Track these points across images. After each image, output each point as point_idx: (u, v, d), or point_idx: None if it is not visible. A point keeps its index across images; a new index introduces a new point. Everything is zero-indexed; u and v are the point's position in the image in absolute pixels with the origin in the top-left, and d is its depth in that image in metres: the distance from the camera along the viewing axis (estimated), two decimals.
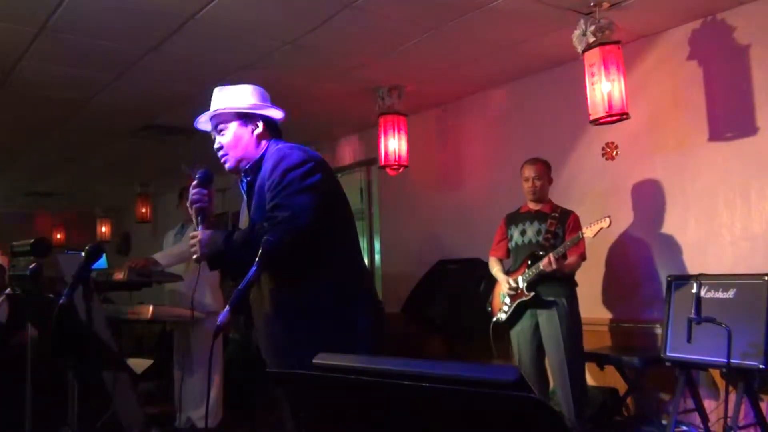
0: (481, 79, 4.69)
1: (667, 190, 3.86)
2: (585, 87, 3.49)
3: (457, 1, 3.36)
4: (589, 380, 4.02)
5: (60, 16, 3.34)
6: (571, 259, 3.53)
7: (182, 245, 4.25)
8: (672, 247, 3.81)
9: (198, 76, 4.30)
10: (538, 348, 3.57)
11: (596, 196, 4.16)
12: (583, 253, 3.58)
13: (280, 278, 2.12)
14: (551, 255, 3.39)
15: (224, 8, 3.32)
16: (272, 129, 2.28)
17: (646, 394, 3.88)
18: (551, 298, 3.50)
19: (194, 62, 4.07)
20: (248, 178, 2.25)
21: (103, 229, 9.93)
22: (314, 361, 1.21)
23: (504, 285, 3.63)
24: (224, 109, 2.23)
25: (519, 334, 3.63)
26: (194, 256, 2.10)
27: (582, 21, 3.46)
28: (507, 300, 3.62)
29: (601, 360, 3.75)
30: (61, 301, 2.08)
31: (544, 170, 3.71)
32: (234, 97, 2.25)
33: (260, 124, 2.23)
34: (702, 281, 3.26)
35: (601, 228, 3.37)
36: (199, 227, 2.13)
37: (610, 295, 4.13)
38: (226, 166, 2.25)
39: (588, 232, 3.40)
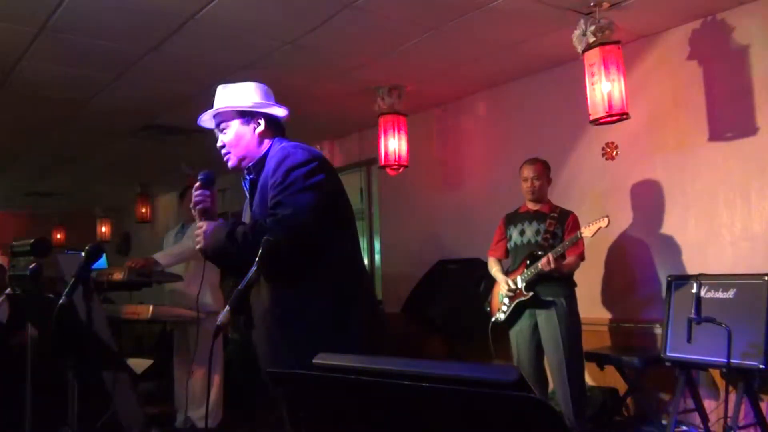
0: (481, 79, 4.69)
1: (667, 190, 3.86)
2: (585, 87, 3.49)
3: (457, 1, 3.36)
4: (589, 380, 4.02)
5: (60, 16, 3.34)
6: (569, 258, 3.54)
7: (182, 245, 4.25)
8: (672, 247, 3.81)
9: (198, 76, 4.30)
10: (537, 348, 3.57)
11: (596, 196, 4.16)
12: (582, 253, 3.58)
13: (280, 278, 2.12)
14: (550, 255, 3.39)
15: (224, 8, 3.32)
16: (275, 127, 2.28)
17: (646, 394, 3.88)
18: (550, 298, 3.51)
19: (194, 62, 4.07)
20: (251, 176, 2.25)
21: (103, 229, 9.93)
22: (314, 361, 1.21)
23: (503, 285, 3.63)
24: (225, 107, 2.23)
25: (518, 334, 3.63)
26: (198, 246, 2.13)
27: (582, 21, 3.46)
28: (506, 300, 3.62)
29: (601, 360, 3.75)
30: (61, 301, 2.08)
31: (543, 170, 3.71)
32: (236, 95, 2.25)
33: (262, 122, 2.23)
34: (702, 281, 3.26)
35: (600, 228, 3.37)
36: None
37: (610, 295, 4.13)
38: (229, 164, 2.26)
39: (586, 231, 3.40)
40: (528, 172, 3.70)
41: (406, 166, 4.84)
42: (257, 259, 1.78)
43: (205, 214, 2.16)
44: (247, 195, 2.30)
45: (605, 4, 3.40)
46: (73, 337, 2.30)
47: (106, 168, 7.40)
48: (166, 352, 4.68)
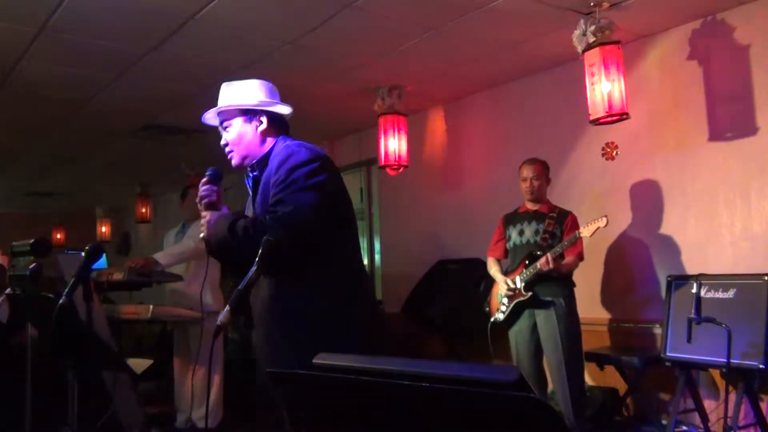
0: (481, 79, 4.69)
1: (667, 190, 3.86)
2: (585, 87, 3.49)
3: (457, 1, 3.36)
4: (589, 380, 4.02)
5: (60, 16, 3.34)
6: (568, 258, 3.54)
7: (183, 245, 4.26)
8: (672, 247, 3.81)
9: (198, 76, 4.30)
10: (537, 348, 3.58)
11: (596, 196, 4.16)
12: (581, 253, 3.58)
13: (279, 278, 2.12)
14: (548, 255, 3.40)
15: (224, 8, 3.32)
16: (278, 125, 2.28)
17: (646, 394, 3.88)
18: (549, 298, 3.51)
19: (194, 62, 4.07)
20: (254, 174, 2.26)
21: (103, 229, 9.94)
22: (314, 361, 1.21)
23: (502, 285, 3.64)
24: (227, 106, 2.23)
25: (517, 334, 3.63)
26: (201, 236, 2.16)
27: (582, 21, 3.46)
28: (505, 300, 3.63)
29: (601, 360, 3.75)
30: (61, 301, 2.08)
31: (542, 170, 3.71)
32: (239, 93, 2.25)
33: (264, 120, 2.23)
34: (702, 281, 3.26)
35: (598, 227, 3.37)
36: None
37: (610, 295, 4.13)
38: (232, 162, 2.27)
39: (585, 231, 3.40)
40: (527, 172, 3.70)
41: (406, 166, 4.84)
42: (257, 259, 1.78)
43: (211, 208, 2.17)
44: (250, 192, 2.30)
45: (605, 4, 3.39)
46: (73, 337, 2.30)
47: (106, 168, 7.40)
48: (166, 352, 4.69)
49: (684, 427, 3.55)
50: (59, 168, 7.35)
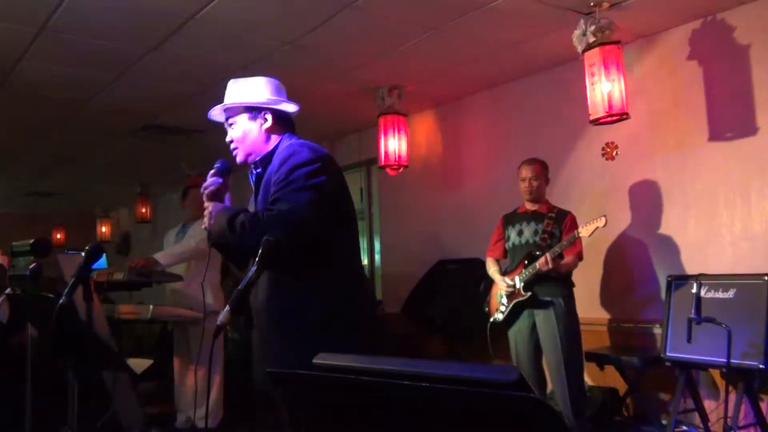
0: (481, 79, 4.69)
1: (667, 190, 3.86)
2: (585, 87, 3.49)
3: (457, 1, 3.36)
4: (589, 380, 4.02)
5: (60, 16, 3.34)
6: (567, 258, 3.54)
7: (183, 245, 4.26)
8: (672, 247, 3.81)
9: (198, 76, 4.30)
10: (536, 348, 3.58)
11: (596, 196, 4.16)
12: (580, 253, 3.58)
13: (278, 277, 2.12)
14: (547, 254, 3.40)
15: (224, 8, 3.32)
16: (284, 123, 2.29)
17: (646, 394, 3.88)
18: (548, 298, 3.51)
19: (194, 62, 4.07)
20: (258, 171, 2.27)
21: (103, 229, 9.93)
22: (314, 361, 1.21)
23: (501, 284, 3.64)
24: (233, 103, 2.24)
25: (516, 334, 3.63)
26: (203, 227, 2.19)
27: (582, 21, 3.46)
28: (504, 300, 3.63)
29: (600, 360, 3.75)
30: (61, 301, 2.08)
31: (541, 170, 3.71)
32: (245, 90, 2.26)
33: (269, 118, 2.24)
34: (702, 281, 3.26)
35: (597, 227, 3.37)
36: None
37: (610, 295, 4.13)
38: (237, 159, 2.28)
39: (584, 231, 3.41)
40: (526, 172, 3.70)
41: (406, 166, 4.84)
42: (257, 259, 1.78)
43: (213, 199, 2.20)
44: (254, 188, 2.31)
45: (605, 4, 3.39)
46: (73, 337, 2.30)
47: (106, 168, 7.40)
48: (166, 352, 4.69)
49: (684, 427, 3.55)
50: (59, 168, 7.35)
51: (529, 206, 3.72)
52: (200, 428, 4.16)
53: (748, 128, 3.51)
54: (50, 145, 6.21)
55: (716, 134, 3.64)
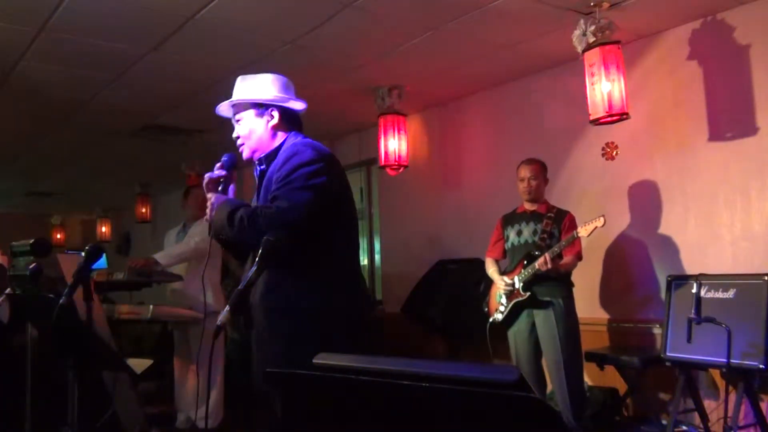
0: (481, 79, 4.69)
1: (667, 190, 3.86)
2: (585, 87, 3.49)
3: (457, 1, 3.36)
4: (589, 380, 4.02)
5: (60, 16, 3.34)
6: (566, 258, 3.54)
7: (183, 245, 4.25)
8: (672, 247, 3.81)
9: (198, 76, 4.30)
10: (536, 348, 3.58)
11: (596, 196, 4.16)
12: (579, 253, 3.58)
13: (274, 274, 2.12)
14: (546, 254, 3.40)
15: (224, 8, 3.32)
16: (290, 120, 2.31)
17: (646, 394, 3.88)
18: (547, 298, 3.51)
19: (194, 62, 4.07)
20: (262, 167, 2.28)
21: (103, 229, 9.93)
22: (314, 361, 1.21)
23: (500, 283, 3.64)
24: (239, 99, 2.26)
25: (516, 334, 3.63)
26: (205, 218, 2.21)
27: (582, 21, 3.46)
28: (503, 300, 3.63)
29: (600, 360, 3.75)
30: (61, 301, 2.08)
31: (540, 170, 3.71)
32: (253, 87, 2.27)
33: (276, 115, 2.26)
34: (702, 281, 3.26)
35: (596, 227, 3.37)
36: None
37: (610, 295, 4.13)
38: (243, 155, 2.30)
39: (582, 231, 3.41)
40: (525, 172, 3.70)
41: (406, 166, 4.84)
42: (257, 259, 1.79)
43: (215, 189, 2.22)
44: (257, 184, 2.32)
45: (605, 4, 3.39)
46: (73, 337, 2.30)
47: (106, 168, 7.40)
48: (166, 352, 4.68)
49: (684, 427, 3.55)
50: (59, 168, 7.35)
51: (528, 206, 3.72)
52: (200, 428, 4.16)
53: (748, 128, 3.51)
54: (50, 145, 6.20)
55: (716, 134, 3.64)
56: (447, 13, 3.51)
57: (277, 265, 2.07)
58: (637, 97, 3.78)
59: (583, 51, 3.48)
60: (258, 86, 2.27)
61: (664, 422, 3.64)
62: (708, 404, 3.52)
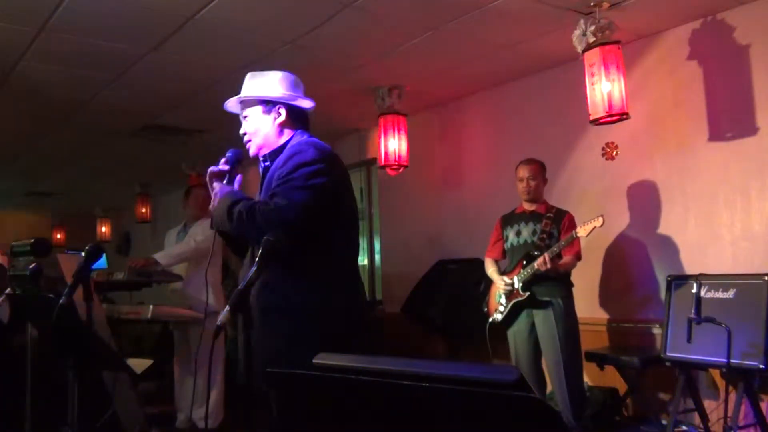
0: (481, 79, 4.69)
1: (667, 190, 3.86)
2: (585, 87, 3.49)
3: (457, 1, 3.36)
4: (589, 380, 4.02)
5: (60, 16, 3.34)
6: (566, 258, 3.54)
7: (183, 245, 4.25)
8: (671, 247, 3.81)
9: (198, 76, 4.30)
10: (535, 348, 3.58)
11: (596, 196, 4.16)
12: (579, 253, 3.58)
13: (271, 272, 2.12)
14: (546, 254, 3.40)
15: (224, 8, 3.32)
16: (297, 118, 2.32)
17: (646, 394, 3.88)
18: (547, 298, 3.51)
19: (194, 62, 4.07)
20: (267, 164, 2.29)
21: (103, 229, 9.93)
22: (314, 361, 1.21)
23: (499, 283, 3.64)
24: (248, 96, 2.27)
25: (516, 334, 3.63)
26: (210, 207, 2.23)
27: (582, 21, 3.46)
28: (503, 300, 3.63)
29: (600, 360, 3.75)
30: (61, 301, 2.08)
31: (539, 170, 3.71)
32: (261, 84, 2.29)
33: (283, 113, 2.27)
34: (702, 281, 3.26)
35: (595, 227, 3.37)
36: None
37: (610, 295, 4.13)
38: (250, 152, 2.31)
39: (581, 231, 3.41)
40: (523, 172, 3.70)
41: (406, 166, 4.84)
42: (257, 259, 1.79)
43: (218, 181, 2.23)
44: (260, 181, 2.33)
45: (605, 4, 3.39)
46: (73, 337, 2.30)
47: (106, 168, 7.40)
48: (166, 352, 4.68)
49: (684, 427, 3.55)
50: (59, 168, 7.35)
51: (527, 206, 3.72)
52: (200, 428, 4.16)
53: (748, 128, 3.51)
54: (50, 145, 6.20)
55: (716, 134, 3.64)
56: (447, 13, 3.51)
57: (276, 265, 2.07)
58: (637, 97, 3.78)
59: (583, 51, 3.48)
60: (266, 83, 2.28)
61: (664, 422, 3.64)
62: (708, 404, 3.52)
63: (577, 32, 3.48)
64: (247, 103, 2.29)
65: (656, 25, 3.82)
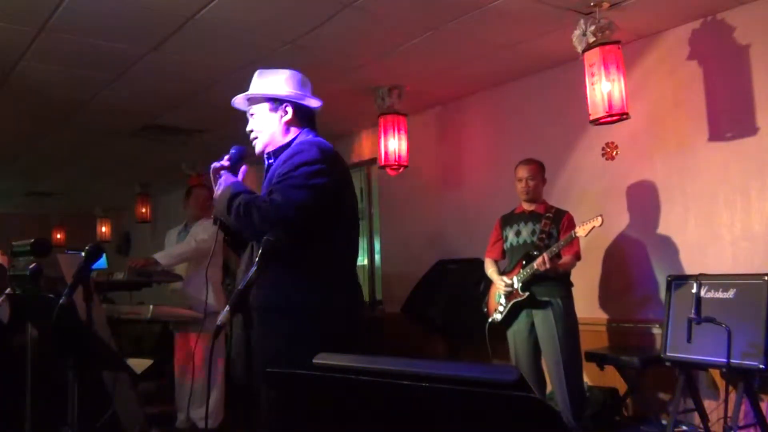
0: (481, 79, 4.69)
1: (666, 190, 3.86)
2: (585, 87, 3.49)
3: (457, 1, 3.36)
4: (589, 380, 4.02)
5: (60, 16, 3.34)
6: (565, 258, 3.54)
7: (183, 245, 4.25)
8: (671, 247, 3.81)
9: (198, 76, 4.30)
10: (535, 348, 3.58)
11: (596, 196, 4.16)
12: (578, 253, 3.58)
13: (270, 270, 2.12)
14: (545, 254, 3.40)
15: (224, 8, 3.32)
16: (304, 117, 2.32)
17: (646, 394, 3.88)
18: (546, 299, 3.51)
19: (194, 62, 4.07)
20: (271, 161, 2.29)
21: (103, 229, 9.93)
22: (314, 361, 1.21)
23: (499, 283, 3.64)
24: (255, 93, 2.28)
25: (515, 334, 3.63)
26: (214, 196, 2.24)
27: (582, 21, 3.46)
28: (502, 300, 3.63)
29: (600, 360, 3.75)
30: (61, 301, 2.08)
31: (538, 170, 3.71)
32: (269, 82, 2.29)
33: (289, 111, 2.27)
34: (702, 281, 3.26)
35: (594, 227, 3.38)
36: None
37: (609, 295, 4.13)
38: (256, 149, 2.32)
39: (580, 231, 3.41)
40: (523, 172, 3.70)
41: (406, 166, 4.84)
42: (257, 258, 1.79)
43: (217, 177, 2.24)
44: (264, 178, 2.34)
45: (605, 4, 3.39)
46: (73, 337, 2.30)
47: (106, 168, 7.40)
48: (166, 352, 4.68)
49: (684, 427, 3.55)
50: (59, 168, 7.35)
51: (527, 206, 3.73)
52: (200, 428, 4.16)
53: (748, 128, 3.51)
54: (50, 145, 6.20)
55: (716, 134, 3.64)
56: (447, 13, 3.51)
57: (277, 265, 2.07)
58: (637, 97, 3.78)
59: (583, 51, 3.48)
60: (274, 81, 2.29)
61: (664, 422, 3.64)
62: (708, 404, 3.52)
63: (577, 32, 3.48)
64: (254, 101, 2.30)
65: (656, 25, 3.82)
